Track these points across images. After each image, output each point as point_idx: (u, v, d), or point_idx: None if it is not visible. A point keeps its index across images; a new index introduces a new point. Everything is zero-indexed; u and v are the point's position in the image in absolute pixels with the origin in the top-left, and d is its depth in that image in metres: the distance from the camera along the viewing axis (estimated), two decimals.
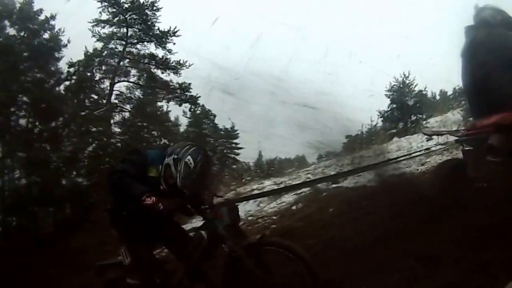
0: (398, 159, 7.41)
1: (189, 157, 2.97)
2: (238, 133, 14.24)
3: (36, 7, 9.75)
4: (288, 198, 7.73)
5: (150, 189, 2.89)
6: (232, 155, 14.69)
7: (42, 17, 9.78)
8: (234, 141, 14.54)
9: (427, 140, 9.59)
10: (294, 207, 6.81)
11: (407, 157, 7.44)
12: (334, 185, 7.85)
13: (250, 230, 6.01)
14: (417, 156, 7.44)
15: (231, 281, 3.00)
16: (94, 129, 8.37)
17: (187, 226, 4.66)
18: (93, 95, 9.94)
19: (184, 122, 12.93)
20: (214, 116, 13.23)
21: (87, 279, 5.71)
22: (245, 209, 7.73)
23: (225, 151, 14.68)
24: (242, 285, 2.98)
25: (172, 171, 2.98)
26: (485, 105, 3.09)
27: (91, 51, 10.14)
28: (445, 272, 2.73)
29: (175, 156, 2.99)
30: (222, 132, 14.17)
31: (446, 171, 3.68)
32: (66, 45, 9.81)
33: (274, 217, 6.49)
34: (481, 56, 3.11)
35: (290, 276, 2.93)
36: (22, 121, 8.90)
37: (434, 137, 7.90)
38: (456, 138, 3.61)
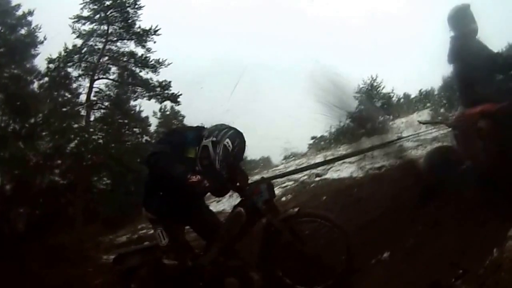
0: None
1: (227, 139, 3.05)
2: None
3: (14, 1, 9.53)
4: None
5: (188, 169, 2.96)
6: None
7: (19, 12, 9.54)
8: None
9: (398, 138, 10.19)
10: (283, 198, 6.99)
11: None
12: (318, 178, 8.13)
13: None
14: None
15: (269, 254, 3.14)
16: (76, 125, 8.20)
17: None
18: (66, 94, 9.69)
19: (154, 122, 12.76)
20: (183, 117, 13.20)
21: (71, 273, 5.62)
22: (229, 202, 7.84)
23: None
24: (280, 256, 3.14)
25: (210, 153, 3.04)
26: (471, 99, 3.73)
27: (70, 47, 9.99)
28: (450, 233, 3.08)
29: (214, 139, 3.05)
30: None
31: (435, 156, 4.22)
32: (42, 42, 9.63)
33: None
34: (462, 62, 3.79)
35: (326, 243, 3.17)
36: None
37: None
38: (448, 124, 4.25)
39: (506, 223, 2.78)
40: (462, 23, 3.76)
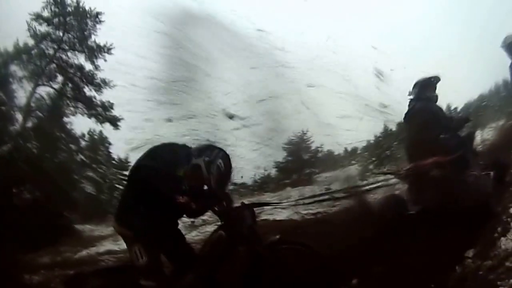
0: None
1: (220, 160, 3.02)
2: (129, 166, 14.06)
3: None
4: (211, 228, 7.87)
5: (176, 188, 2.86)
6: (121, 187, 14.29)
7: None
8: (125, 172, 14.27)
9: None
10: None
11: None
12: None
13: None
14: None
15: (251, 278, 3.14)
16: (12, 127, 7.47)
17: None
18: (1, 93, 8.86)
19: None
20: (110, 144, 12.90)
21: None
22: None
23: (114, 182, 14.26)
24: (262, 281, 3.14)
25: (202, 173, 2.95)
26: (423, 152, 4.29)
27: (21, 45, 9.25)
28: (414, 259, 3.41)
29: (207, 158, 2.98)
30: (114, 162, 13.79)
31: (386, 202, 4.78)
32: None
33: None
34: (418, 121, 4.42)
35: (305, 268, 3.26)
36: None
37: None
38: (400, 175, 4.74)
39: (461, 247, 3.31)
40: (426, 90, 4.46)
